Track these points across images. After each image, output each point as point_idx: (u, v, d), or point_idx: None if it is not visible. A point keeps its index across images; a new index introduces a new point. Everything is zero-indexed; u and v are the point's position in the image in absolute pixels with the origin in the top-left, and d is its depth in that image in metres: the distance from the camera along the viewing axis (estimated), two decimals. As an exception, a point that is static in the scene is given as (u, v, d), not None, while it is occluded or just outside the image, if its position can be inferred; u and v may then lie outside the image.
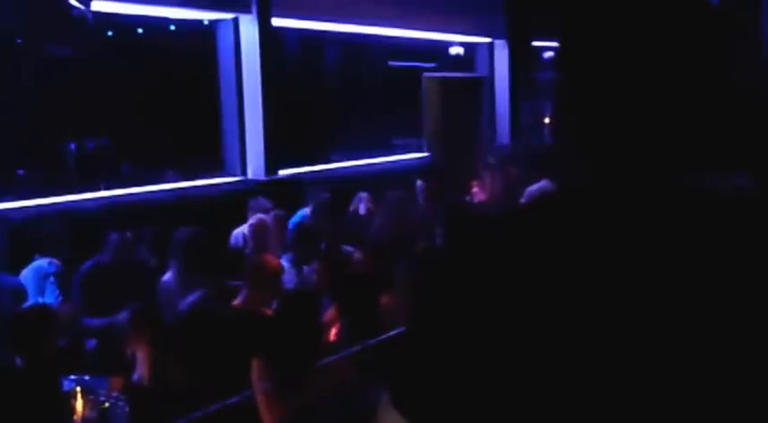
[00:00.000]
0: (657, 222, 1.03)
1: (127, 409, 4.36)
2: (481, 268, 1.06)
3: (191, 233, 6.19)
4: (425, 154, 12.74)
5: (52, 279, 6.02)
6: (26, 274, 6.11)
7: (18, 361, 4.48)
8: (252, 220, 7.26)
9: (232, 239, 7.61)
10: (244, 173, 9.82)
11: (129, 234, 6.46)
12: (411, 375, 1.08)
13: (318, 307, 4.86)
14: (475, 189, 8.34)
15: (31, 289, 5.92)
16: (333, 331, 5.30)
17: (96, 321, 5.81)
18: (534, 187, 7.84)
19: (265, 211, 7.58)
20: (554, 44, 1.16)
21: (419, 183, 9.02)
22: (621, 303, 1.00)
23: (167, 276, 6.08)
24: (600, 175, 1.07)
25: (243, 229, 7.53)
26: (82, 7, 7.21)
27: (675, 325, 0.99)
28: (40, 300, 5.77)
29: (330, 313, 5.44)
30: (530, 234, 1.06)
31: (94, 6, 7.42)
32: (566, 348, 0.99)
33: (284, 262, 6.25)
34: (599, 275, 1.01)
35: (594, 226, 1.04)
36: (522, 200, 7.84)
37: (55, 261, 6.17)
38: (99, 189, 8.46)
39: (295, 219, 8.03)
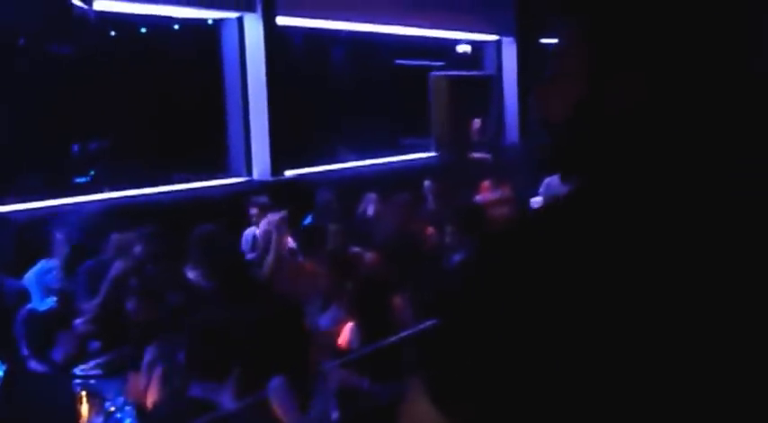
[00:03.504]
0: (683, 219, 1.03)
1: (134, 413, 4.30)
2: (519, 260, 1.05)
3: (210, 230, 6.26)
4: (433, 153, 12.65)
5: (55, 280, 5.96)
6: (30, 277, 6.06)
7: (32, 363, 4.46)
8: (270, 218, 7.19)
9: (243, 240, 7.57)
10: (249, 173, 9.73)
11: (130, 233, 6.41)
12: (451, 367, 1.06)
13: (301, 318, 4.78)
14: (485, 188, 8.22)
15: (34, 292, 5.86)
16: (342, 334, 5.19)
17: (89, 305, 5.83)
18: (549, 179, 7.87)
19: (267, 209, 7.50)
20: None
21: (427, 183, 8.93)
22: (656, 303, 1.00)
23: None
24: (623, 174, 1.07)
25: (253, 230, 7.51)
26: (84, 6, 7.10)
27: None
28: (44, 302, 5.71)
29: (339, 316, 5.34)
30: (563, 234, 1.05)
31: (97, 6, 7.32)
32: (599, 345, 0.99)
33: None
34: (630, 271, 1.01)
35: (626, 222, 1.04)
36: (541, 191, 7.87)
37: (58, 263, 6.10)
38: (102, 190, 8.37)
39: (306, 220, 7.96)
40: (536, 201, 8.28)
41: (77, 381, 4.48)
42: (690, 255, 1.00)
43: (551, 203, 1.20)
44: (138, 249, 6.46)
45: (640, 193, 1.05)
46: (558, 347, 0.99)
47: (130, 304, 5.14)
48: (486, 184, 7.99)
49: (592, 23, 1.09)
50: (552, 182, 7.84)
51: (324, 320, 5.44)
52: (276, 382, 3.88)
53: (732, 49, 1.07)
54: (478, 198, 7.79)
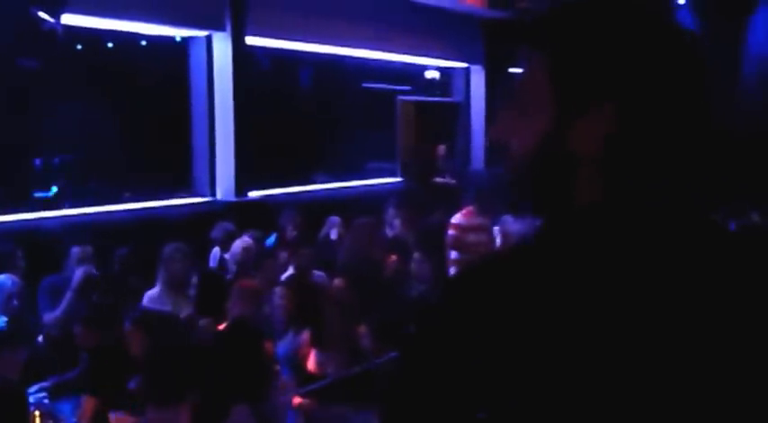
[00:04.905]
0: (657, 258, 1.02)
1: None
2: (481, 301, 1.04)
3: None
4: (399, 179, 12.65)
5: (14, 299, 5.85)
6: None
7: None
8: (244, 240, 7.17)
9: (211, 260, 7.53)
10: (213, 193, 9.66)
11: (89, 248, 6.38)
12: (407, 404, 1.06)
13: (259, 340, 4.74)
14: (469, 212, 8.10)
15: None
16: (309, 360, 5.14)
17: (50, 315, 5.92)
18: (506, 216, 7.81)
19: (232, 236, 7.47)
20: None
21: (391, 208, 8.89)
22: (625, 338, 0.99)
23: (153, 291, 6.04)
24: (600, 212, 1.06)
25: (218, 250, 7.49)
26: (52, 20, 7.02)
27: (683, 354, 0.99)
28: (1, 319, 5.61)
29: (303, 342, 5.29)
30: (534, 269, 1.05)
31: (64, 20, 7.24)
32: (566, 393, 0.97)
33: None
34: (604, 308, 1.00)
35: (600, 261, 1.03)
36: (497, 227, 7.83)
37: (15, 279, 6.01)
38: (64, 207, 8.25)
39: (269, 241, 7.92)
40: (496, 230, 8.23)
41: (31, 400, 4.41)
42: (655, 302, 1.00)
43: (517, 246, 1.19)
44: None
45: (602, 236, 1.04)
46: (514, 394, 0.99)
47: (77, 330, 5.04)
48: (469, 208, 7.89)
49: (554, 61, 1.09)
50: (508, 219, 7.80)
51: (284, 346, 5.39)
52: (238, 411, 3.82)
53: (696, 88, 1.07)
54: (458, 220, 7.68)
